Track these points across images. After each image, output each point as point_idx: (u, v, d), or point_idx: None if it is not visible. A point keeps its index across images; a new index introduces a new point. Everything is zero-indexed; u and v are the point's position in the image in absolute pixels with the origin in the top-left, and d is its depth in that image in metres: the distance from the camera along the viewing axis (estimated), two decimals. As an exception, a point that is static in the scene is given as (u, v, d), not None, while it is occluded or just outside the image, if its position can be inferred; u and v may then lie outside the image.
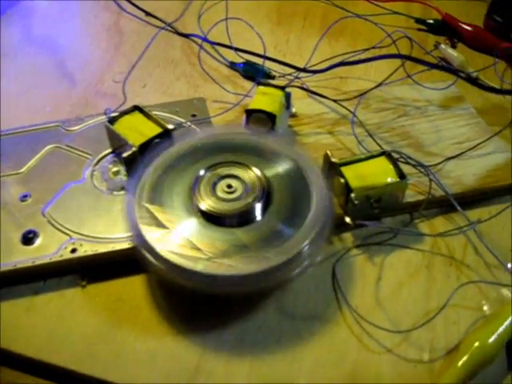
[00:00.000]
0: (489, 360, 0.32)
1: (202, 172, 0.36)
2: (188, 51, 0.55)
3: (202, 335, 0.34)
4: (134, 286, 0.36)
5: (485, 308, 0.35)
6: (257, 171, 0.36)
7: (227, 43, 0.52)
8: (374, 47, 0.47)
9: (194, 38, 0.56)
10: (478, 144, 0.42)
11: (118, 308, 0.35)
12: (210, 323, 0.34)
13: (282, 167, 0.37)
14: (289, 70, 0.49)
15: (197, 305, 0.35)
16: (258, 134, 0.39)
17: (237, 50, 0.50)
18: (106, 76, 0.53)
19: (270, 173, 0.36)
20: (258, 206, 0.34)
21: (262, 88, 0.43)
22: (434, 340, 0.34)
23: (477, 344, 0.32)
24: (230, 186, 0.35)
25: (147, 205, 0.35)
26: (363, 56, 0.48)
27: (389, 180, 0.37)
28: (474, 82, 0.38)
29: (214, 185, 0.35)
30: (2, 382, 0.33)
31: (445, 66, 0.37)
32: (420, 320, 0.34)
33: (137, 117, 0.42)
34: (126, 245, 0.36)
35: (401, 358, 0.33)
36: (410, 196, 0.39)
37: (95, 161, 0.42)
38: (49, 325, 0.34)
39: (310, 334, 0.34)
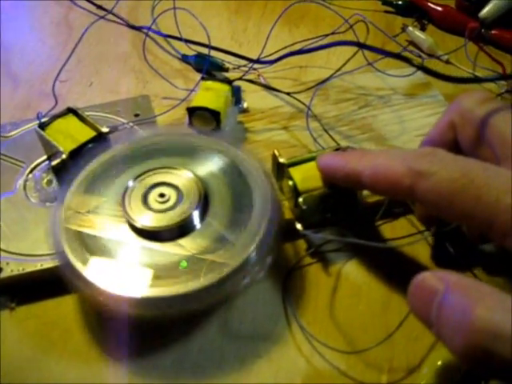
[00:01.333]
0: (452, 381, 0.28)
1: (130, 183, 0.32)
2: (139, 45, 0.51)
3: (136, 360, 0.30)
4: (66, 307, 0.33)
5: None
6: (190, 175, 0.32)
7: (173, 36, 0.48)
8: (333, 33, 0.44)
9: (144, 31, 0.52)
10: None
11: (49, 332, 0.32)
12: (145, 347, 0.31)
13: (219, 168, 0.33)
14: (244, 62, 0.46)
15: (132, 327, 0.32)
16: (196, 135, 0.35)
17: (187, 41, 0.47)
18: (51, 75, 0.49)
19: (206, 175, 0.33)
20: (196, 214, 0.31)
21: (206, 83, 0.39)
22: (393, 359, 0.30)
23: (439, 363, 0.29)
24: (162, 195, 0.32)
25: (73, 223, 0.31)
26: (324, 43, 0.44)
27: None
28: (427, 70, 0.34)
29: (146, 195, 0.32)
30: None
31: (400, 55, 0.33)
32: (379, 337, 0.30)
33: (70, 120, 0.38)
34: (54, 262, 0.33)
35: (356, 381, 0.29)
36: (370, 196, 0.36)
37: (28, 170, 0.39)
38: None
39: (256, 356, 0.31)
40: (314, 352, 0.31)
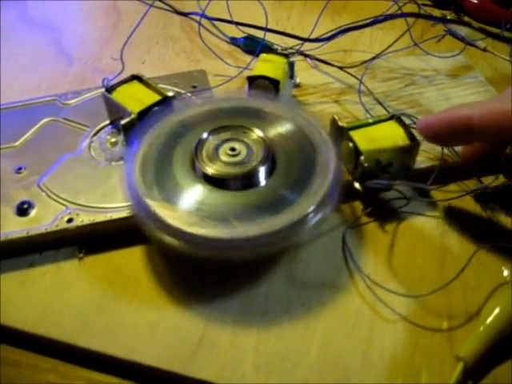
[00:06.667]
0: (511, 327, 0.30)
1: (204, 135, 0.34)
2: (187, 29, 0.53)
3: (205, 305, 0.32)
4: (134, 257, 0.34)
5: (505, 273, 0.33)
6: (261, 134, 0.34)
7: (224, 19, 0.51)
8: (381, 15, 0.46)
9: (192, 16, 0.54)
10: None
11: (117, 280, 0.33)
12: (214, 293, 0.33)
13: (286, 131, 0.35)
14: (291, 44, 0.48)
15: (200, 274, 0.33)
16: (262, 99, 0.37)
17: (238, 24, 0.49)
18: (103, 54, 0.51)
19: (274, 136, 0.35)
20: (262, 169, 0.33)
21: (264, 55, 0.42)
22: (452, 307, 0.32)
23: (497, 310, 0.30)
24: (233, 149, 0.34)
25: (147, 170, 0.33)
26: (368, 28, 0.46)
27: (399, 143, 0.35)
28: (485, 31, 0.36)
29: (217, 148, 0.34)
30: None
31: (460, 21, 0.36)
32: (436, 286, 0.32)
33: (135, 86, 0.40)
34: (124, 214, 0.35)
35: (417, 326, 0.31)
36: (422, 162, 0.38)
37: (92, 132, 0.40)
38: (45, 298, 0.32)
39: (321, 303, 0.32)
40: (377, 300, 0.32)
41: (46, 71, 0.50)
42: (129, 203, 0.34)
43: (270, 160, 0.33)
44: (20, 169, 0.38)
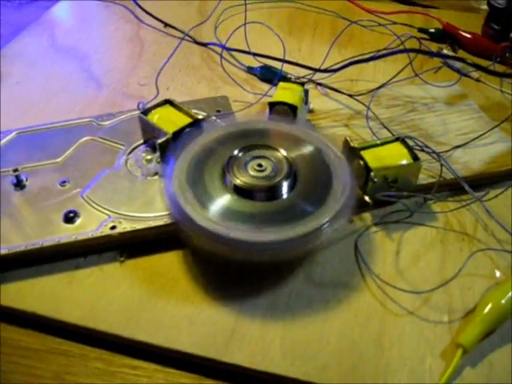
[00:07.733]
0: (502, 319, 0.35)
1: (235, 152, 0.39)
2: (207, 58, 0.59)
3: (236, 301, 0.36)
4: (170, 261, 0.39)
5: (497, 275, 0.38)
6: (284, 153, 0.39)
7: (243, 50, 0.56)
8: (385, 49, 0.51)
9: (211, 46, 0.60)
10: (482, 134, 0.46)
11: (156, 280, 0.38)
12: (243, 291, 0.37)
13: (307, 150, 0.40)
14: (303, 74, 0.53)
15: (231, 275, 0.38)
16: (283, 122, 0.42)
17: (255, 54, 0.54)
18: (130, 80, 0.56)
19: (296, 155, 0.39)
20: (285, 184, 0.37)
21: (282, 84, 0.47)
22: (451, 304, 0.36)
23: (490, 305, 0.35)
24: (260, 165, 0.38)
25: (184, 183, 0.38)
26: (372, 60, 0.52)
27: (404, 162, 0.40)
28: (479, 67, 0.42)
29: (246, 164, 0.38)
30: (45, 349, 0.35)
31: (455, 56, 0.41)
32: (438, 285, 0.37)
33: (168, 109, 0.45)
34: (161, 222, 0.39)
35: (422, 319, 0.36)
36: (423, 179, 0.43)
37: (128, 150, 0.45)
38: (91, 296, 0.36)
39: (337, 300, 0.37)
40: (386, 297, 0.37)
41: (78, 95, 0.54)
42: (167, 212, 0.39)
43: (293, 176, 0.38)
44: (64, 182, 0.42)
